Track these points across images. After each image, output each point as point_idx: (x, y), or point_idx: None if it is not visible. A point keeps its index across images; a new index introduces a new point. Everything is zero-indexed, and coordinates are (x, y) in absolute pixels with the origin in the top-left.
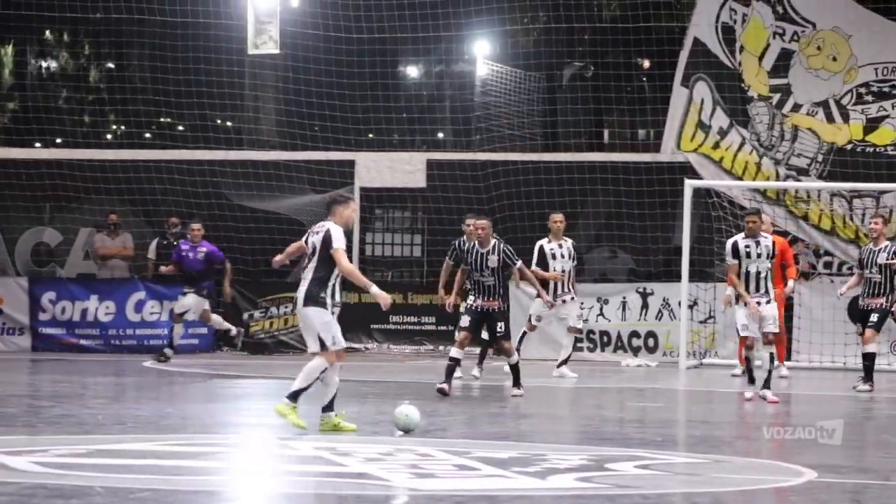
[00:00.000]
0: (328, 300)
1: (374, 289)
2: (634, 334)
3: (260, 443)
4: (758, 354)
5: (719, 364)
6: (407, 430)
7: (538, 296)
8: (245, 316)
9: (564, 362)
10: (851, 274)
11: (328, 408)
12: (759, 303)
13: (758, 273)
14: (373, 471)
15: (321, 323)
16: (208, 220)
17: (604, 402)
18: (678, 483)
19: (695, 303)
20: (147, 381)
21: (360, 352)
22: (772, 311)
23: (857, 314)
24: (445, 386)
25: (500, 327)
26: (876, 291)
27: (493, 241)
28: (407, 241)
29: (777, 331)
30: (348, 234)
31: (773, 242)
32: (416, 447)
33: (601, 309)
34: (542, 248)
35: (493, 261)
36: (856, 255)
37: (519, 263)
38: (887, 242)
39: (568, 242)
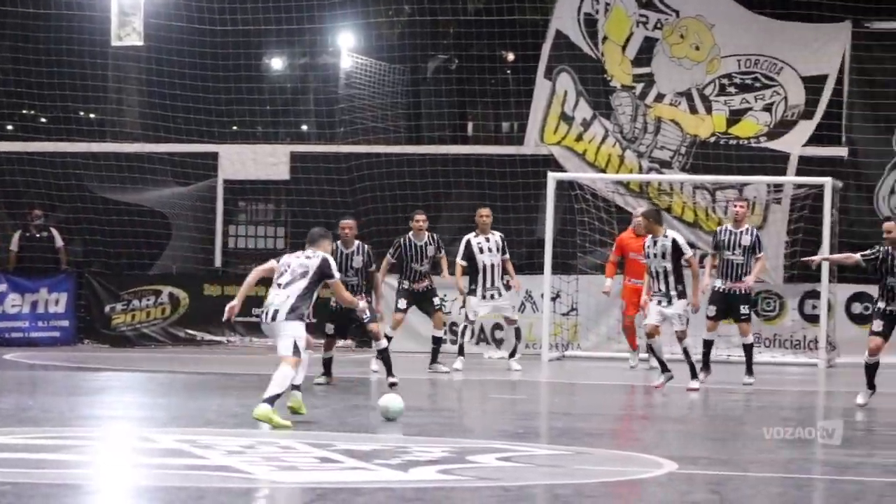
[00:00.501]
0: (306, 315)
1: (362, 304)
2: (497, 326)
3: (122, 436)
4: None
5: (581, 356)
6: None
7: (470, 292)
8: (107, 309)
9: (513, 354)
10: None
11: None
12: (659, 302)
13: (657, 272)
14: (235, 464)
15: (299, 334)
16: (71, 212)
17: (466, 394)
18: (540, 475)
19: (557, 295)
20: (8, 373)
21: (222, 345)
22: (675, 310)
23: (716, 297)
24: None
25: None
26: (738, 273)
27: (356, 243)
28: (270, 234)
29: (681, 328)
30: None
31: (673, 241)
32: (279, 440)
33: (464, 301)
34: (468, 242)
35: (357, 261)
36: None
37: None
38: (748, 226)
39: (496, 236)
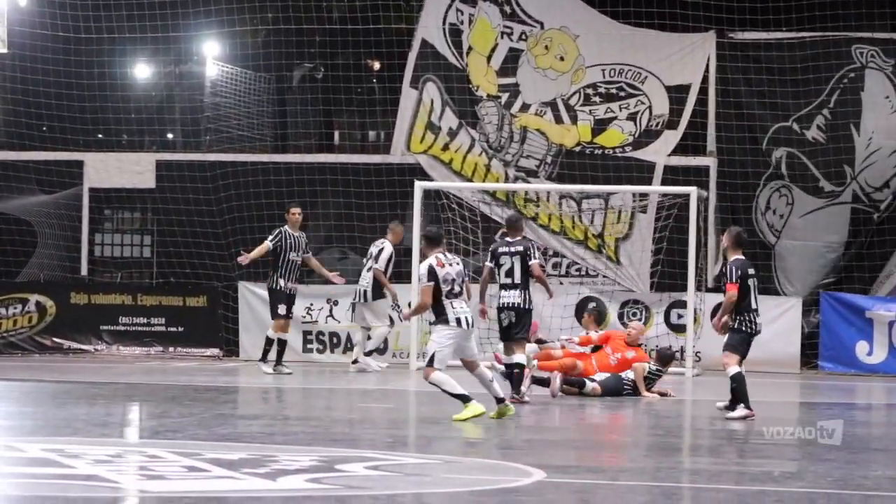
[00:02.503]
0: None
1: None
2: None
3: None
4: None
5: (449, 365)
6: None
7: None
8: None
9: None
10: (581, 275)
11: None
12: None
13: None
14: (102, 473)
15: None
16: None
17: (333, 403)
18: (409, 484)
19: None
20: None
21: (89, 353)
22: None
23: None
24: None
25: None
26: None
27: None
28: (137, 242)
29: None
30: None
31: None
32: (146, 448)
33: (331, 310)
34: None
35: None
36: (585, 255)
37: None
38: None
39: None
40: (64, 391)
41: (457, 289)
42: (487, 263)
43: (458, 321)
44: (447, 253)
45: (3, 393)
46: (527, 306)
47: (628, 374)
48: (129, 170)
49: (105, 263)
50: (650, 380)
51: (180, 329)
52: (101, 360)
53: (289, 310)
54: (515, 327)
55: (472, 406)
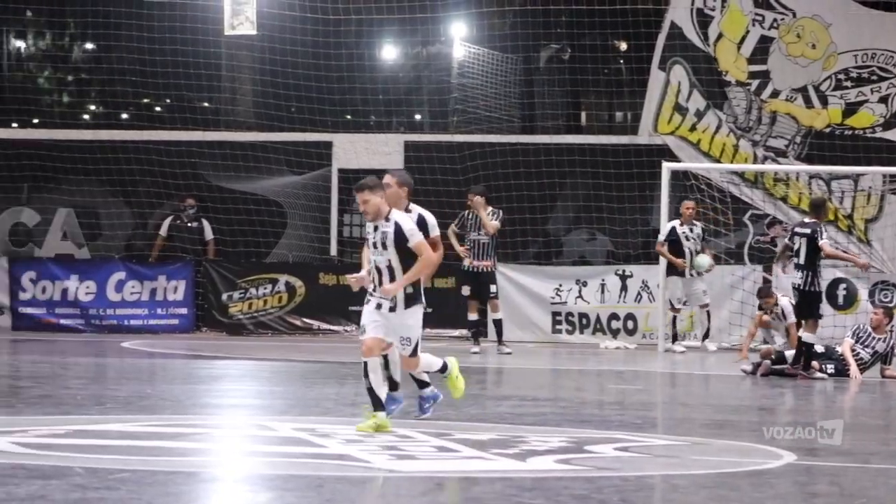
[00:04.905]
0: None
1: None
2: (613, 316)
3: (239, 424)
4: None
5: (697, 346)
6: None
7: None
8: (224, 297)
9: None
10: None
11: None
12: None
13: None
14: (353, 452)
15: None
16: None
17: (583, 384)
18: (657, 465)
19: None
20: (126, 361)
21: (338, 334)
22: None
23: None
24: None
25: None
26: None
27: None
28: None
29: None
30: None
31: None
32: (396, 429)
33: (580, 291)
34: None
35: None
36: (835, 236)
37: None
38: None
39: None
40: (314, 371)
41: None
42: (786, 240)
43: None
44: None
45: (254, 372)
46: (809, 288)
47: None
48: (378, 151)
49: (354, 244)
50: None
51: (428, 310)
52: (349, 340)
53: (474, 290)
54: (798, 308)
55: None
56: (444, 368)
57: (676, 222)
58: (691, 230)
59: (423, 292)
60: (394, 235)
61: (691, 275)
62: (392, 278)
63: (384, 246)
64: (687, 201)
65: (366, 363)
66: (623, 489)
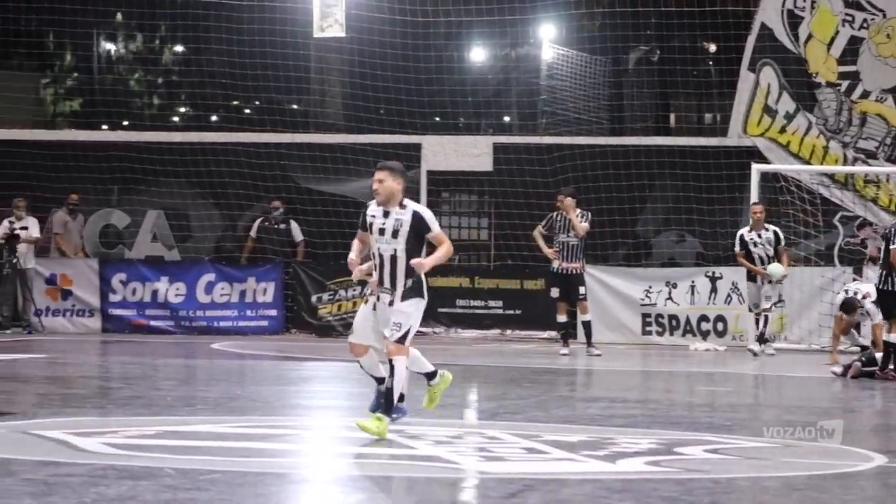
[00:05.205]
0: None
1: None
2: (703, 318)
3: (329, 425)
4: None
5: (788, 348)
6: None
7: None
8: (313, 299)
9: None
10: None
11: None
12: None
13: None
14: (442, 454)
15: None
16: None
17: (672, 386)
18: (747, 467)
19: None
20: (216, 362)
21: (427, 335)
22: None
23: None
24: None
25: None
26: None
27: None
28: (474, 225)
29: None
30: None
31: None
32: (485, 430)
33: (670, 293)
34: (741, 236)
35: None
36: None
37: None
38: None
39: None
40: None
41: None
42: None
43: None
44: None
45: (344, 374)
46: (885, 287)
47: None
48: (467, 153)
49: None
50: None
51: (518, 312)
52: (439, 342)
53: (563, 292)
54: (880, 306)
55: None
56: (432, 376)
57: (745, 229)
58: (759, 235)
59: (426, 289)
60: (411, 224)
61: (769, 282)
62: (394, 268)
63: (395, 234)
64: (755, 205)
65: (360, 363)
66: (713, 491)
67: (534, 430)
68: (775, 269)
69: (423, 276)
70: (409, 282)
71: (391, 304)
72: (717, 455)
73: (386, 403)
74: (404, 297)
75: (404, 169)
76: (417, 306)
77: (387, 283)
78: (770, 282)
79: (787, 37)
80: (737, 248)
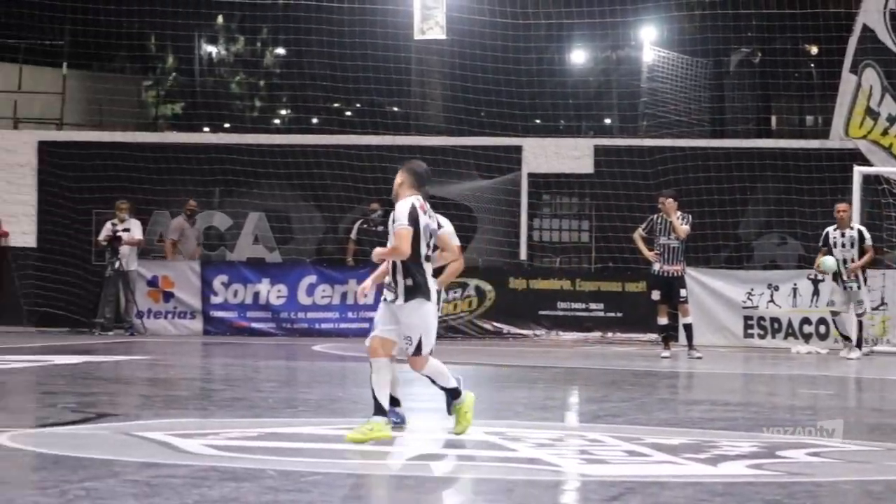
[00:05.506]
0: None
1: None
2: (805, 321)
3: (429, 427)
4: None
5: (891, 352)
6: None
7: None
8: None
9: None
10: None
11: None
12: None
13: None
14: (543, 456)
15: None
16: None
17: (774, 389)
18: (851, 471)
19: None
20: (317, 364)
21: (528, 338)
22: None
23: None
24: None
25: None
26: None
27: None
28: (574, 227)
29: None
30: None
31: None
32: (587, 433)
33: (772, 295)
34: (826, 234)
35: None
36: None
37: None
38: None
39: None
40: (504, 375)
41: (430, 250)
42: None
43: (438, 296)
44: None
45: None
46: None
47: None
48: (567, 155)
49: (543, 248)
50: None
51: (619, 314)
52: (539, 344)
53: (664, 294)
54: None
55: (468, 400)
56: (456, 395)
57: (832, 227)
58: (843, 234)
59: (431, 289)
60: (391, 220)
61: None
62: (394, 267)
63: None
64: (840, 203)
65: (370, 363)
66: (816, 494)
67: (635, 432)
68: (828, 262)
69: (427, 277)
70: (409, 281)
71: (394, 301)
72: (820, 458)
73: (374, 406)
74: (407, 297)
75: (416, 165)
76: (421, 312)
77: (390, 282)
78: (824, 274)
79: (890, 38)
80: (821, 245)
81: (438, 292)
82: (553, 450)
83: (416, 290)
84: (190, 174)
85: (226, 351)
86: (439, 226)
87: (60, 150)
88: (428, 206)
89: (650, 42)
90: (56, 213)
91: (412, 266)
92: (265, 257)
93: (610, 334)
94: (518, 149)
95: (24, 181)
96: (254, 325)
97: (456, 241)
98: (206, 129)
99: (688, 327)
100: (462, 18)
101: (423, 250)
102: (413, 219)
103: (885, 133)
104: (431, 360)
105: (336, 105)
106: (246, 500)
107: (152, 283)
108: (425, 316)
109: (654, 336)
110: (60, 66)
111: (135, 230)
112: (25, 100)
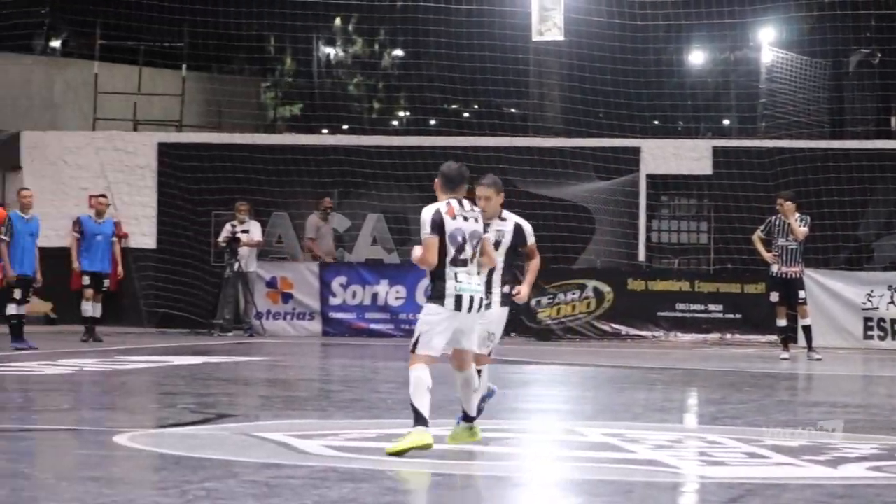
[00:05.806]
0: None
1: None
2: None
3: (548, 429)
4: None
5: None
6: None
7: None
8: (533, 303)
9: None
10: None
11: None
12: None
13: None
14: (662, 458)
15: None
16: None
17: (894, 391)
18: None
19: None
20: (435, 366)
21: (646, 339)
22: None
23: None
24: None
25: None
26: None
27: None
28: (693, 229)
29: None
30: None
31: None
32: (706, 434)
33: (892, 297)
34: None
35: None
36: None
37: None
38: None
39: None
40: (622, 376)
41: (466, 253)
42: None
43: (459, 301)
44: (465, 202)
45: (564, 377)
46: None
47: None
48: (686, 156)
49: (662, 250)
50: None
51: (738, 316)
52: (658, 346)
53: (783, 296)
54: None
55: (416, 434)
56: (471, 418)
57: None
58: None
59: (450, 294)
60: (512, 235)
61: None
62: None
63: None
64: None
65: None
66: None
67: (755, 434)
68: None
69: (447, 282)
70: (431, 285)
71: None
72: None
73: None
74: (427, 300)
75: (446, 166)
76: (428, 311)
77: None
78: None
79: None
80: None
81: (504, 294)
82: (672, 451)
83: (433, 295)
84: (308, 175)
85: (344, 352)
86: (485, 229)
87: (180, 152)
88: (468, 206)
89: (769, 43)
90: (175, 214)
91: (436, 272)
92: (383, 258)
93: (728, 336)
94: (636, 150)
95: (144, 183)
96: (372, 326)
97: (531, 240)
98: (325, 130)
99: (807, 329)
100: (580, 19)
101: (451, 254)
102: (437, 226)
103: None
104: (418, 373)
105: (454, 106)
106: (364, 501)
107: (271, 284)
108: (426, 315)
109: (772, 338)
110: (180, 68)
111: (254, 231)
112: (145, 102)
